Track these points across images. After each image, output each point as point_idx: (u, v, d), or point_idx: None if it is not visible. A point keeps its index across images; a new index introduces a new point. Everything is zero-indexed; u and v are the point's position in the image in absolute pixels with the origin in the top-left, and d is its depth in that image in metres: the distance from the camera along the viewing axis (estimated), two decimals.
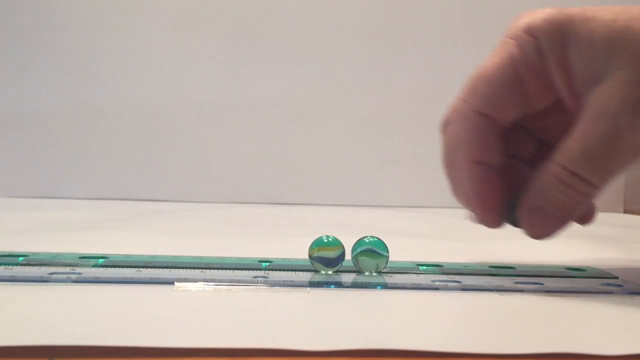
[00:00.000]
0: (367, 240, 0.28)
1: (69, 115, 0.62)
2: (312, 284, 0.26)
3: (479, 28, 0.64)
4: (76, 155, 0.62)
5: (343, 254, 0.28)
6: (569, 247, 0.37)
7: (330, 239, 0.28)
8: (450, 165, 0.30)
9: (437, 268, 0.30)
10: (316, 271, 0.28)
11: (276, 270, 0.28)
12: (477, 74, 0.28)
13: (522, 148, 0.32)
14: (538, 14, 0.27)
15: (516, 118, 0.29)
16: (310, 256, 0.28)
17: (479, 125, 0.28)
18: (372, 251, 0.28)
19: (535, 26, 0.27)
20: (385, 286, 0.26)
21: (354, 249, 0.28)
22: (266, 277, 0.27)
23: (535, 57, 0.27)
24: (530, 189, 0.28)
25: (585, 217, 0.30)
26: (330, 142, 0.64)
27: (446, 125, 0.30)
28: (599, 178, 0.26)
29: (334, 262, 0.28)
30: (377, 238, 0.28)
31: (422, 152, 0.64)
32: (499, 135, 0.29)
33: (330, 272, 0.28)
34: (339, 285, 0.26)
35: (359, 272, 0.28)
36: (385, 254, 0.28)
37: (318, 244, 0.28)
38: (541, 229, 0.28)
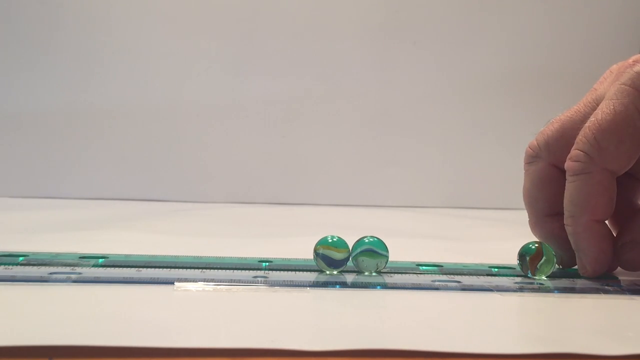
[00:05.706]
0: (366, 241, 0.28)
1: (69, 115, 0.62)
2: (317, 284, 0.26)
3: (479, 28, 0.64)
4: (76, 155, 0.62)
5: (348, 258, 0.28)
6: None
7: (336, 240, 0.28)
8: (534, 200, 0.31)
9: (437, 268, 0.30)
10: (320, 271, 0.28)
11: (276, 270, 0.28)
12: (602, 127, 0.27)
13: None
14: None
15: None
16: (315, 252, 0.28)
17: (606, 184, 0.28)
18: (372, 251, 0.28)
19: None
20: (385, 286, 0.26)
21: (353, 249, 0.28)
22: (266, 277, 0.27)
23: None
24: (634, 224, 0.29)
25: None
26: (330, 142, 0.64)
27: (533, 158, 0.31)
28: None
29: (338, 264, 0.28)
30: (376, 238, 0.28)
31: (422, 152, 0.65)
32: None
33: (335, 272, 0.28)
34: (344, 285, 0.26)
35: (358, 272, 0.28)
36: (385, 254, 0.28)
37: (323, 242, 0.28)
38: (634, 262, 0.29)
